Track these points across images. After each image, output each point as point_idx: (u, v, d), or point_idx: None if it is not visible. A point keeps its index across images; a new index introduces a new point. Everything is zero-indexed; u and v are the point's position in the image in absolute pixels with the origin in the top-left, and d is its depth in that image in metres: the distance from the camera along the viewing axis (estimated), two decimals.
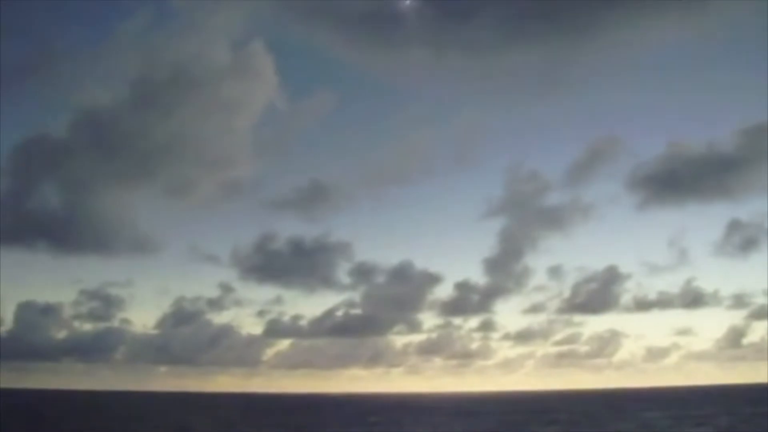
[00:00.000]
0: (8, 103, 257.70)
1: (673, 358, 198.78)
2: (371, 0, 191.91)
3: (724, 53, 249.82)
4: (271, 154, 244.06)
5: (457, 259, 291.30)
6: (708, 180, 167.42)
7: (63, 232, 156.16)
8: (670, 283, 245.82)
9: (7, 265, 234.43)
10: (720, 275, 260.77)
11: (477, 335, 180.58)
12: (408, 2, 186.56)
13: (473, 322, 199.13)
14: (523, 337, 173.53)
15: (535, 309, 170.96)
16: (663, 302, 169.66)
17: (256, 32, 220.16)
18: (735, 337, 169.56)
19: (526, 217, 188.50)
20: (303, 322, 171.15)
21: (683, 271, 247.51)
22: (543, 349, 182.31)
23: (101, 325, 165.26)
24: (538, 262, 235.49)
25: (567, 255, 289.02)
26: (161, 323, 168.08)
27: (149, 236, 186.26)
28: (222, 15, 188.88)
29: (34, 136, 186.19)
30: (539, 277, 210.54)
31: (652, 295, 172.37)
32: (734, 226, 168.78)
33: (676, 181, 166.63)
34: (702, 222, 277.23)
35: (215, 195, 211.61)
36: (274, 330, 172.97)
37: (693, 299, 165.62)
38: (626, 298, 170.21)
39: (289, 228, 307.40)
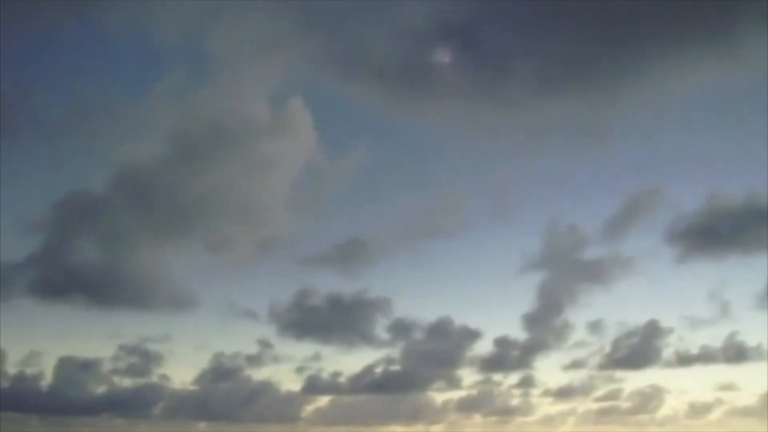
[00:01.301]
0: (48, 159, 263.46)
1: (716, 413, 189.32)
2: (408, 55, 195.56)
3: (766, 98, 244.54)
4: (309, 210, 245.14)
5: (496, 315, 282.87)
6: (749, 232, 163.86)
7: (102, 288, 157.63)
8: (712, 337, 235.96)
9: (48, 320, 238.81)
10: (763, 329, 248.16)
11: (517, 391, 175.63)
12: (444, 57, 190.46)
13: (513, 378, 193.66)
14: (563, 393, 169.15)
15: (575, 365, 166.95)
16: (705, 357, 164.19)
17: (294, 89, 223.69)
18: None
19: (565, 272, 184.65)
20: (342, 379, 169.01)
21: (725, 324, 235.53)
22: (584, 405, 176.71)
23: (140, 381, 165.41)
24: (577, 317, 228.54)
25: (607, 309, 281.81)
26: (200, 379, 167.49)
27: (187, 292, 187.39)
28: (260, 72, 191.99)
29: (74, 191, 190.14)
30: (579, 332, 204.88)
31: (694, 350, 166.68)
32: None
33: (717, 233, 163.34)
34: (744, 274, 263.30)
35: (253, 251, 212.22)
36: (313, 386, 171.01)
37: (736, 353, 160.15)
38: (668, 353, 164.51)
39: (327, 284, 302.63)
